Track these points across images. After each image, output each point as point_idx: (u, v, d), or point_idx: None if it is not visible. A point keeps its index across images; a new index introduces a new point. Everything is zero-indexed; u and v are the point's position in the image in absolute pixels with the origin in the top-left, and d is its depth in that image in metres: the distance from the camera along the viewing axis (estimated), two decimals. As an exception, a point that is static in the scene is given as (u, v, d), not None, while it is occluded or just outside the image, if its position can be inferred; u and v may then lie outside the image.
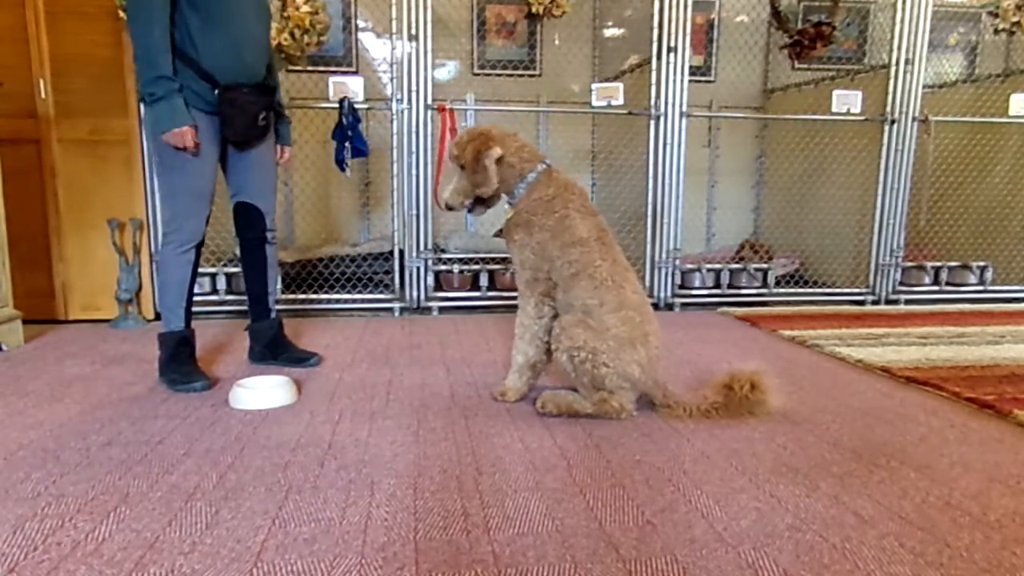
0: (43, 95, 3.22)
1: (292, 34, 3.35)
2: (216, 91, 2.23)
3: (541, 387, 2.19)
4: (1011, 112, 4.14)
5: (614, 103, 3.78)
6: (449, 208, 2.21)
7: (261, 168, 2.49)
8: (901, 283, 4.19)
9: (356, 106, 3.47)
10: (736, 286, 4.13)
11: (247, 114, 2.31)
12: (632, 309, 2.01)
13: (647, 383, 2.03)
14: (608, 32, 4.67)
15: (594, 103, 3.79)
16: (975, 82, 4.64)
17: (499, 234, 2.30)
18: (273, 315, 2.63)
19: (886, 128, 4.02)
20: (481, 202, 2.19)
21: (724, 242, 5.01)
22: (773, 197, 5.01)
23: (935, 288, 4.25)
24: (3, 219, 2.90)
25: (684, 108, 3.80)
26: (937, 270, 4.27)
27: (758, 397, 1.99)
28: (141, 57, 2.11)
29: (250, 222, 2.51)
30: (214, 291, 3.57)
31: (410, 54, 3.54)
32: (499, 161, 2.09)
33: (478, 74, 4.60)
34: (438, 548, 1.27)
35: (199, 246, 2.33)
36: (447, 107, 3.54)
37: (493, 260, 3.94)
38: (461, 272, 3.85)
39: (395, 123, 3.61)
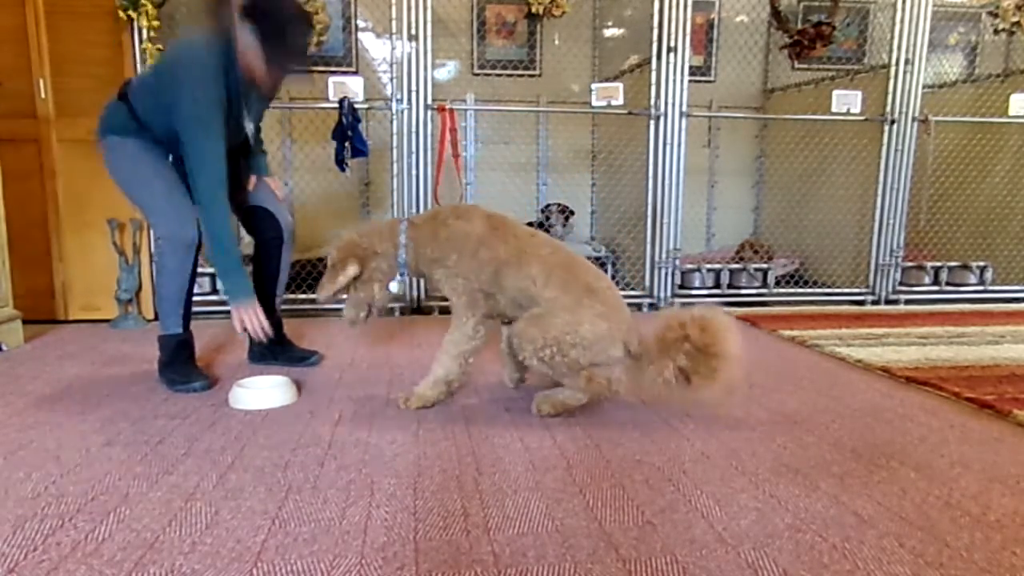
0: (43, 95, 3.22)
1: (292, 34, 3.35)
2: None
3: (534, 388, 2.19)
4: (1011, 112, 4.14)
5: (614, 103, 3.78)
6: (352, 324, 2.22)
7: (260, 183, 2.57)
8: (901, 283, 4.20)
9: (356, 106, 3.47)
10: (736, 286, 4.13)
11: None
12: (558, 268, 1.97)
13: (614, 334, 1.93)
14: (608, 32, 4.67)
15: (594, 103, 3.79)
16: (975, 82, 4.64)
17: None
18: (276, 316, 2.62)
19: (886, 128, 4.02)
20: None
21: (724, 242, 5.01)
22: (773, 197, 5.00)
23: (935, 288, 4.25)
24: (3, 219, 2.90)
25: (684, 108, 3.80)
26: (937, 270, 4.27)
27: (708, 339, 1.86)
28: (215, 239, 2.17)
29: (263, 222, 2.53)
30: (214, 291, 3.57)
31: (410, 54, 3.54)
32: (361, 274, 2.12)
33: (478, 74, 4.60)
34: (438, 548, 1.27)
35: (196, 248, 2.25)
36: (447, 107, 3.54)
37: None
38: (461, 272, 3.85)
39: (395, 123, 3.61)
